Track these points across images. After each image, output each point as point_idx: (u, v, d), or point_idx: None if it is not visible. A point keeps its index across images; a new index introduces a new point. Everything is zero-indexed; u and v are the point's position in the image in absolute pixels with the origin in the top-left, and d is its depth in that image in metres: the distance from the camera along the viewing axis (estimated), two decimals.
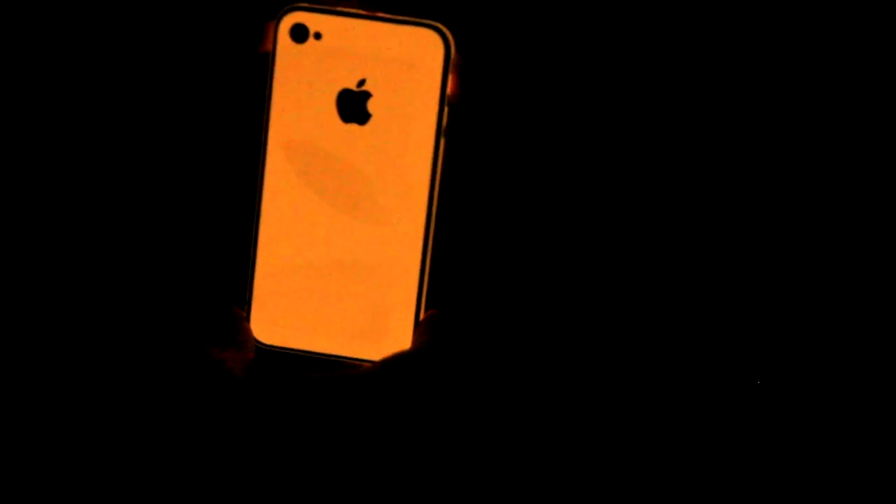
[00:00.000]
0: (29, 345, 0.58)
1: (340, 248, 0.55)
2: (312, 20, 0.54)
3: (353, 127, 0.55)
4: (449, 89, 0.54)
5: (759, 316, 0.58)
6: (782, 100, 0.58)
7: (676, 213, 0.58)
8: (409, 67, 0.54)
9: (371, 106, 0.54)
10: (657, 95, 0.57)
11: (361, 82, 0.54)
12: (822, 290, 0.58)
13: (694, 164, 0.58)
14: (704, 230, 0.58)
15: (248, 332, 0.56)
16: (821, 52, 0.57)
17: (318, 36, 0.54)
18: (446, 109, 0.54)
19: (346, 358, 0.56)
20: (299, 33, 0.54)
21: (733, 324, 0.58)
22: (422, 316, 0.55)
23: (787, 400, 0.57)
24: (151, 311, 0.57)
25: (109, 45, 0.58)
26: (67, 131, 0.59)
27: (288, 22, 0.54)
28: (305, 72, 0.55)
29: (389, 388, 0.52)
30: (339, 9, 0.54)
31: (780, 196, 0.58)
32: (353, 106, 0.55)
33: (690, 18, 0.57)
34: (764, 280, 0.58)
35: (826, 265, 0.58)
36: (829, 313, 0.58)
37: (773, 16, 0.57)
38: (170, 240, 0.58)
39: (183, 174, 0.58)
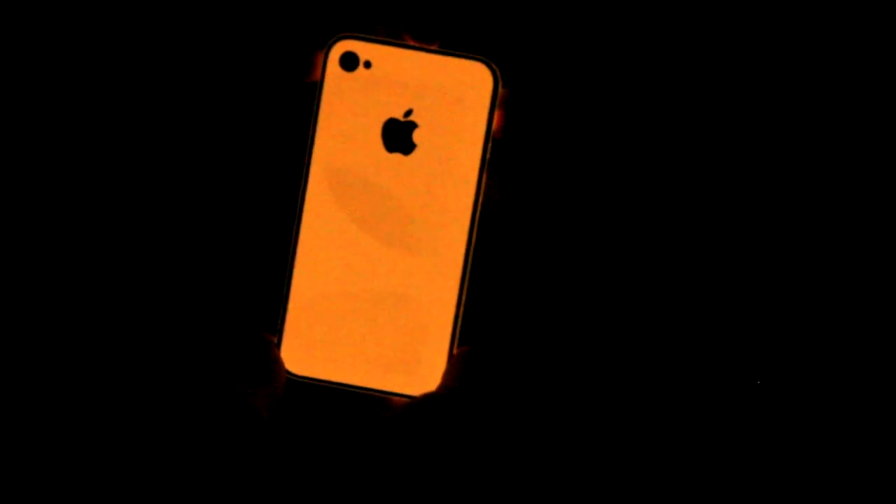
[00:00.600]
0: (51, 366, 0.57)
1: (377, 278, 0.55)
2: (363, 49, 0.55)
3: (398, 157, 0.55)
4: (494, 124, 0.54)
5: (759, 316, 0.58)
6: (783, 100, 0.58)
7: (705, 239, 0.58)
8: (457, 100, 0.54)
9: (417, 137, 0.54)
10: (696, 127, 0.58)
11: (408, 112, 0.54)
12: (823, 290, 0.58)
13: (722, 191, 0.58)
14: (705, 231, 0.58)
15: (278, 362, 0.55)
16: (823, 53, 0.58)
17: (367, 65, 0.55)
18: (490, 144, 0.54)
19: (378, 391, 0.55)
20: (349, 61, 0.55)
21: (733, 324, 0.58)
22: (455, 349, 0.55)
23: (787, 400, 0.57)
24: (181, 340, 0.56)
25: (155, 72, 0.58)
26: (107, 155, 0.58)
27: (338, 50, 0.55)
28: (353, 100, 0.55)
29: (415, 433, 0.51)
30: (390, 39, 0.55)
31: (780, 196, 0.58)
32: (398, 136, 0.55)
33: (732, 56, 0.58)
34: (764, 280, 0.58)
35: (826, 265, 0.58)
36: (829, 313, 0.58)
37: (784, 19, 0.58)
38: (205, 266, 0.57)
39: (225, 200, 0.58)
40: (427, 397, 0.53)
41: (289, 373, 0.55)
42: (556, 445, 0.55)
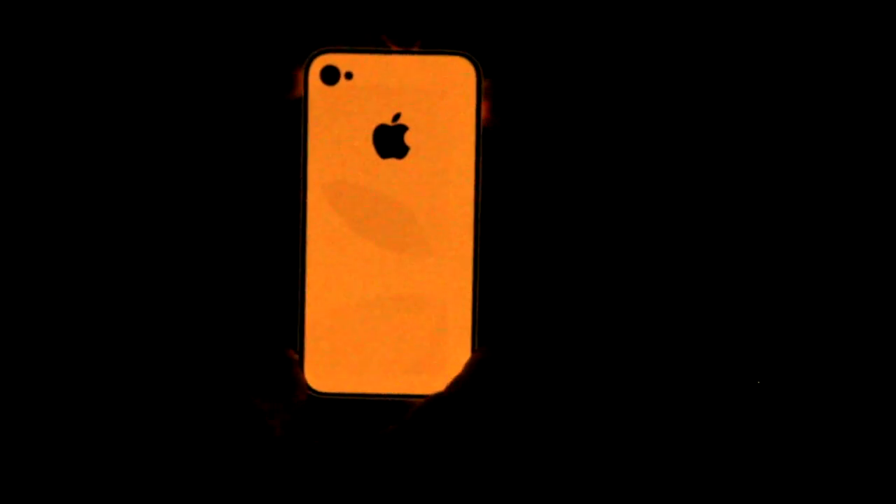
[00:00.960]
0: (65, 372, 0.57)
1: (390, 284, 0.55)
2: (342, 61, 0.55)
3: (393, 161, 0.55)
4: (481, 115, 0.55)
5: (759, 316, 0.58)
6: (783, 101, 0.58)
7: (708, 236, 0.58)
8: (443, 97, 0.54)
9: (408, 139, 0.55)
10: (676, 106, 0.58)
11: (396, 116, 0.55)
12: (823, 290, 0.58)
13: (722, 191, 0.59)
14: (705, 231, 0.58)
15: (299, 381, 0.55)
16: (825, 53, 0.58)
17: (349, 76, 0.55)
18: (481, 136, 0.55)
19: (405, 396, 0.55)
20: (330, 75, 0.55)
21: (733, 324, 0.58)
22: (477, 344, 0.55)
23: (787, 400, 0.57)
24: (202, 358, 0.56)
25: (143, 96, 0.58)
26: (112, 178, 0.58)
27: (318, 65, 0.55)
28: (339, 112, 0.55)
29: (421, 436, 0.51)
30: (367, 47, 0.55)
31: (780, 196, 0.58)
32: (390, 140, 0.55)
33: (723, 45, 0.58)
34: (764, 280, 0.58)
35: (826, 265, 0.58)
36: (829, 313, 0.58)
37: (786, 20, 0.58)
38: (220, 288, 0.57)
39: (224, 221, 0.57)
40: (432, 400, 0.53)
41: (315, 392, 0.55)
42: (561, 445, 0.55)
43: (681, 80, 0.58)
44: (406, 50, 0.55)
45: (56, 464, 0.56)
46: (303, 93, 0.55)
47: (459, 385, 0.53)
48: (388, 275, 0.55)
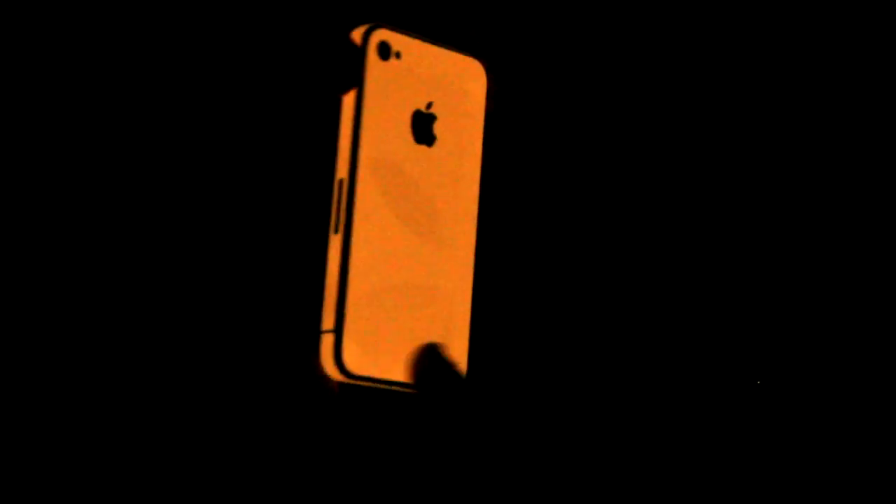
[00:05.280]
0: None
1: (413, 272, 0.55)
2: (394, 39, 0.54)
3: (423, 148, 0.55)
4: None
5: (759, 316, 0.59)
6: (783, 101, 0.60)
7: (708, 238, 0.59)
8: (463, 94, 0.57)
9: (436, 129, 0.56)
10: (677, 108, 0.59)
11: (429, 105, 0.56)
12: (823, 290, 0.59)
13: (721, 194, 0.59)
14: (705, 231, 0.60)
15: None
16: (825, 53, 0.60)
17: (398, 55, 0.54)
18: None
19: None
20: (384, 51, 0.54)
21: (733, 324, 0.58)
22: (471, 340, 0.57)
23: (787, 400, 0.58)
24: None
25: (195, 74, 0.49)
26: (149, 161, 0.48)
27: (375, 38, 0.53)
28: (388, 90, 0.54)
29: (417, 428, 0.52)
30: (410, 32, 0.55)
31: (780, 196, 0.59)
32: (423, 128, 0.55)
33: (721, 48, 0.59)
34: (764, 280, 0.59)
35: (826, 265, 0.59)
36: (829, 313, 0.59)
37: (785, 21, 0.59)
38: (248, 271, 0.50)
39: (264, 191, 0.51)
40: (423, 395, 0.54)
41: (351, 374, 0.52)
42: (557, 443, 0.56)
43: (682, 83, 0.59)
44: (438, 42, 0.56)
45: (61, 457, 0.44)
46: (360, 64, 0.53)
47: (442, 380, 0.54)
48: (413, 262, 0.55)
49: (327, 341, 0.52)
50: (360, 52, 0.53)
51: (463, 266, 0.56)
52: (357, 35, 0.53)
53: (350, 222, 0.52)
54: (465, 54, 0.57)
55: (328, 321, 0.52)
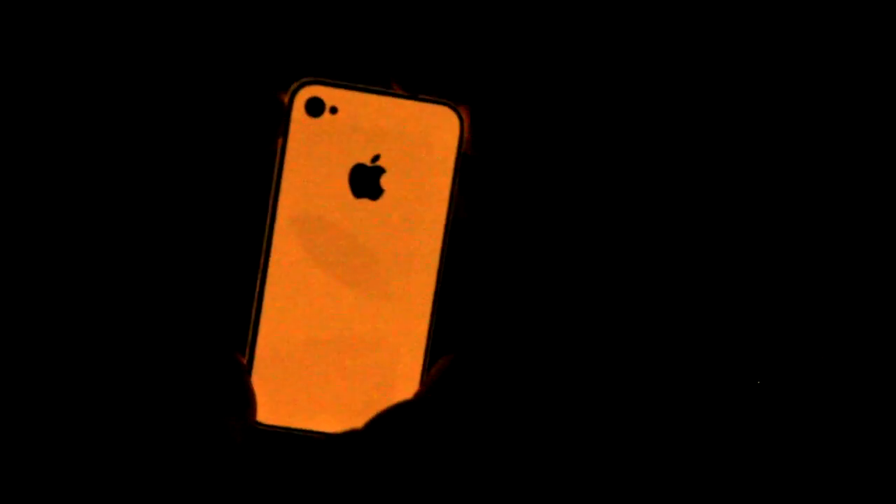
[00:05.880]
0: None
1: (346, 323, 0.55)
2: (328, 94, 0.53)
3: (365, 202, 0.54)
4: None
5: (759, 316, 0.58)
6: (783, 101, 0.59)
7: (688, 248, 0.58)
8: (424, 144, 0.54)
9: (384, 182, 0.54)
10: (653, 109, 0.58)
11: (376, 157, 0.54)
12: (822, 290, 0.58)
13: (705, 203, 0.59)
14: (705, 231, 0.59)
15: (250, 388, 0.54)
16: (823, 52, 0.59)
17: (333, 110, 0.53)
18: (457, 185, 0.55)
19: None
20: (315, 107, 0.53)
21: (733, 324, 0.58)
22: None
23: (787, 400, 0.58)
24: (154, 362, 0.54)
25: (127, 108, 0.54)
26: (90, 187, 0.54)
27: (304, 95, 0.53)
28: (319, 145, 0.53)
29: (391, 442, 0.52)
30: (354, 84, 0.53)
31: (779, 196, 0.58)
32: (366, 181, 0.54)
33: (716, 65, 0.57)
34: (764, 280, 0.58)
35: (826, 265, 0.58)
36: (829, 313, 0.58)
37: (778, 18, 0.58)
38: (175, 291, 0.55)
39: (190, 239, 0.55)
40: (402, 405, 0.54)
41: (258, 423, 0.55)
42: (544, 450, 0.55)
43: (664, 112, 0.58)
44: (394, 92, 0.54)
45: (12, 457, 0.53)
46: (284, 121, 0.53)
47: (429, 389, 0.54)
48: (345, 314, 0.55)
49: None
50: (287, 110, 0.53)
51: (413, 321, 0.55)
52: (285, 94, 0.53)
53: (264, 278, 0.54)
54: (440, 103, 0.54)
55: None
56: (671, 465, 0.58)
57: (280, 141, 0.53)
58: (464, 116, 0.54)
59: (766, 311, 0.58)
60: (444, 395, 0.53)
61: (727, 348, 0.58)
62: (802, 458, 0.58)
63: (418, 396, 0.54)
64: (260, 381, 0.54)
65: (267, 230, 0.53)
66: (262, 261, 0.54)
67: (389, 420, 0.52)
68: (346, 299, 0.55)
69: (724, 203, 0.59)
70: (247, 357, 0.54)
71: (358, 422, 0.55)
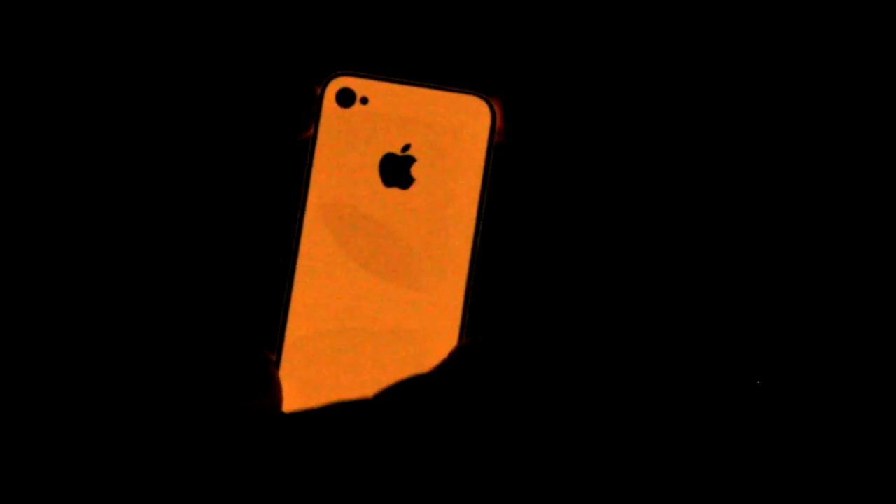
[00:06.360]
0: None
1: (376, 313, 0.55)
2: (359, 85, 0.54)
3: (396, 191, 0.54)
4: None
5: (759, 316, 0.58)
6: (783, 101, 0.59)
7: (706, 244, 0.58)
8: (455, 134, 0.54)
9: (415, 171, 0.54)
10: (693, 126, 0.58)
11: (406, 147, 0.54)
12: (822, 290, 0.58)
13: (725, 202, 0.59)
14: (705, 232, 0.59)
15: (276, 380, 0.54)
16: (823, 52, 0.59)
17: (364, 101, 0.54)
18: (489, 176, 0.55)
19: None
20: (346, 98, 0.54)
21: (733, 324, 0.58)
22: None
23: (787, 400, 0.57)
24: (180, 353, 0.55)
25: (156, 110, 0.55)
26: (115, 182, 0.55)
27: (334, 87, 0.54)
28: (349, 135, 0.54)
29: (412, 424, 0.51)
30: (385, 75, 0.54)
31: (779, 196, 0.58)
32: (396, 170, 0.54)
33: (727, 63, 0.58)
34: (764, 280, 0.58)
35: (826, 265, 0.58)
36: (829, 313, 0.58)
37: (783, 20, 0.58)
38: (204, 285, 0.56)
39: (221, 228, 0.56)
40: (411, 380, 0.53)
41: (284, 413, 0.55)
42: (554, 441, 0.55)
43: (683, 102, 0.58)
44: (424, 83, 0.54)
45: (28, 450, 0.54)
46: (315, 111, 0.54)
47: (444, 373, 0.53)
48: (376, 304, 0.55)
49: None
50: (319, 100, 0.54)
51: (446, 309, 0.55)
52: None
53: (294, 266, 0.54)
54: (471, 94, 0.54)
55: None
56: (671, 466, 0.57)
57: (312, 131, 0.54)
58: (495, 107, 0.54)
59: (766, 310, 0.58)
60: (453, 374, 0.52)
61: (727, 348, 0.58)
62: (802, 458, 0.57)
63: (429, 373, 0.53)
64: (288, 370, 0.55)
65: (298, 219, 0.54)
66: (292, 249, 0.54)
67: (396, 393, 0.52)
68: (376, 289, 0.55)
69: (725, 204, 0.59)
70: (276, 347, 0.54)
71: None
